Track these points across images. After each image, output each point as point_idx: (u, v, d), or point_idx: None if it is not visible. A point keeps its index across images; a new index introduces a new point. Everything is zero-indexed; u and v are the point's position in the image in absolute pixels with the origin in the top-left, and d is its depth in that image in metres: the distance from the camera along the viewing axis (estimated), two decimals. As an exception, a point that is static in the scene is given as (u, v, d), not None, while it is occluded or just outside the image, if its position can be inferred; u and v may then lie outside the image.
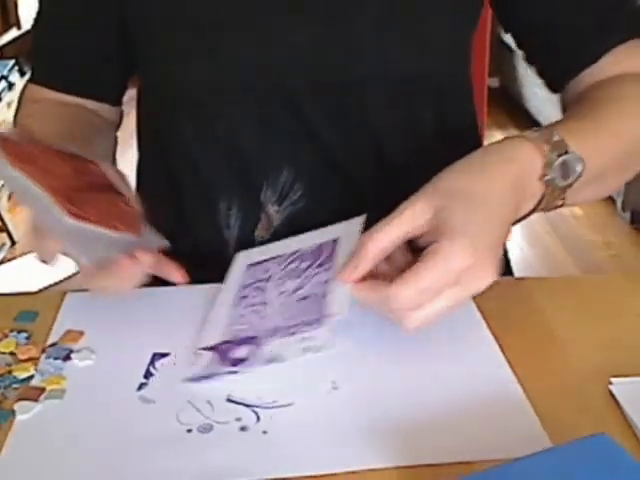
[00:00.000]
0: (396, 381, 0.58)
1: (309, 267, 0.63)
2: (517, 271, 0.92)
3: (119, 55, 0.80)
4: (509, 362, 0.60)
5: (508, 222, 0.58)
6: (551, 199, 0.62)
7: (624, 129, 0.69)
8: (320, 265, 0.62)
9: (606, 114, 0.68)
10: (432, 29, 0.73)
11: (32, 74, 0.83)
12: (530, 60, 0.79)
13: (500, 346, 0.62)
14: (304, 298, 0.60)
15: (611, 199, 2.72)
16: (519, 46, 0.79)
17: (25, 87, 0.84)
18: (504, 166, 0.59)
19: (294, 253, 0.66)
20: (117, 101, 0.85)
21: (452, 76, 0.79)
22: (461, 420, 0.54)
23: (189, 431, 0.53)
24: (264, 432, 0.53)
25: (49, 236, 0.59)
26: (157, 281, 0.65)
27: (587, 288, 0.73)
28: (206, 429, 0.53)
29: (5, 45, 2.78)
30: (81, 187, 0.61)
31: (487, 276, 0.54)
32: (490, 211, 0.56)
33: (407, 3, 0.72)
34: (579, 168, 0.62)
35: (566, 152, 0.61)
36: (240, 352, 0.58)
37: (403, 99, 0.75)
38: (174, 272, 0.63)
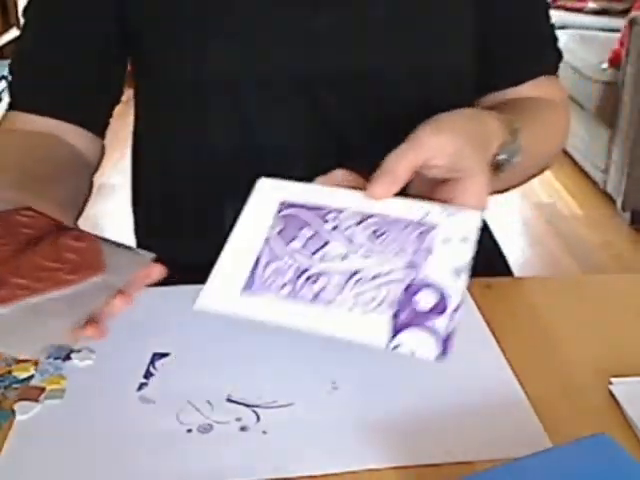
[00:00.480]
0: (396, 381, 0.58)
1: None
2: (517, 271, 0.92)
3: (108, 78, 0.78)
4: (509, 362, 0.60)
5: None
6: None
7: (545, 135, 0.77)
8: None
9: (533, 120, 0.74)
10: (448, 21, 0.75)
11: (11, 101, 0.77)
12: None
13: (500, 346, 0.62)
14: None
15: (611, 199, 2.72)
16: None
17: (4, 117, 0.78)
18: (485, 126, 0.62)
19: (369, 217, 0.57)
20: (101, 130, 0.81)
21: (466, 66, 0.79)
22: (461, 420, 0.54)
23: (189, 431, 0.53)
24: (264, 432, 0.53)
25: None
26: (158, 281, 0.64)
27: (587, 288, 0.73)
28: (206, 429, 0.53)
29: (5, 45, 2.79)
30: (7, 255, 0.52)
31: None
32: (483, 147, 0.60)
33: (420, 1, 0.73)
34: (517, 159, 0.65)
35: (515, 141, 0.65)
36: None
37: (418, 94, 0.76)
38: (152, 273, 0.56)
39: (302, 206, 0.58)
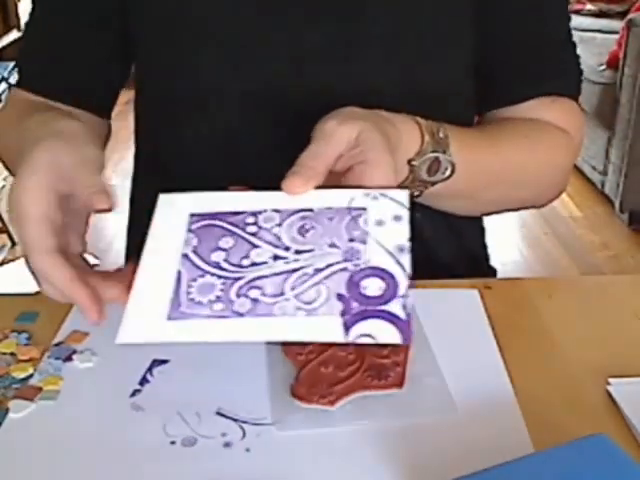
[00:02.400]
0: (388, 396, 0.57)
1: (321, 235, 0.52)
2: (516, 272, 0.93)
3: (115, 59, 0.78)
4: (507, 363, 0.60)
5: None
6: (411, 185, 0.63)
7: (512, 159, 0.72)
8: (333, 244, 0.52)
9: (507, 138, 0.72)
10: (447, 37, 0.73)
11: (19, 78, 0.79)
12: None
13: (499, 347, 0.62)
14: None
15: (609, 200, 2.73)
16: None
17: (10, 91, 0.81)
18: (396, 133, 0.60)
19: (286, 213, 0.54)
20: (108, 113, 0.81)
21: (462, 89, 0.78)
22: (451, 421, 0.54)
23: (172, 443, 0.52)
24: (247, 450, 0.52)
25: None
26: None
27: (585, 289, 0.73)
28: (190, 442, 0.53)
29: (5, 47, 2.79)
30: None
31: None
32: (392, 141, 0.58)
33: (418, 18, 0.72)
34: (446, 172, 0.64)
35: (443, 151, 0.63)
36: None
37: (415, 111, 0.75)
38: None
39: (214, 215, 0.54)
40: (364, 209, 0.52)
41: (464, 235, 0.84)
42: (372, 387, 0.56)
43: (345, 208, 0.52)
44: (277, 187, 0.71)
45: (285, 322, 0.48)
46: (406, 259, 0.49)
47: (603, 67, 2.71)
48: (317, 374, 0.57)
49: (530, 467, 0.45)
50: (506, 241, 2.54)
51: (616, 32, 2.82)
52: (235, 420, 0.55)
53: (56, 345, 0.62)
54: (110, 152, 0.89)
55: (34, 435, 0.53)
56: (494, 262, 0.90)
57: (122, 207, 0.88)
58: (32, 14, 0.79)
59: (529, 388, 0.57)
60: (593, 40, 2.96)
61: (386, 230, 0.51)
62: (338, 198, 0.53)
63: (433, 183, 0.64)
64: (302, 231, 0.52)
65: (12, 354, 0.61)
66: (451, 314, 0.66)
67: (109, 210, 0.53)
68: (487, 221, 0.87)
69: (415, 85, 0.73)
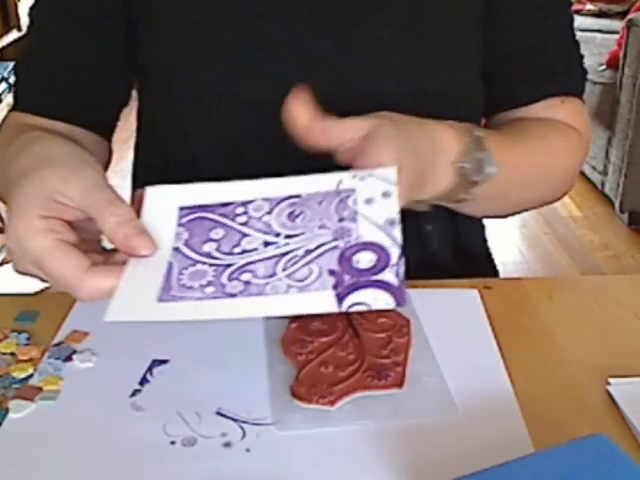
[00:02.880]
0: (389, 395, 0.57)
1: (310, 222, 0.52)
2: (515, 272, 0.93)
3: (116, 80, 0.77)
4: (507, 363, 0.60)
5: (423, 181, 0.58)
6: (458, 189, 0.63)
7: (535, 159, 0.72)
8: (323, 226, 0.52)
9: (525, 138, 0.71)
10: (453, 41, 0.73)
11: (14, 101, 0.76)
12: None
13: (499, 347, 0.62)
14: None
15: (609, 200, 2.73)
16: None
17: (6, 117, 0.75)
18: (430, 143, 0.59)
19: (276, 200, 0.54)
20: (109, 133, 0.79)
21: (469, 93, 0.78)
22: (450, 421, 0.54)
23: (172, 443, 0.52)
24: (247, 450, 0.52)
25: None
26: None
27: (585, 289, 0.73)
28: (190, 442, 0.53)
29: (5, 47, 2.79)
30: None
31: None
32: (414, 140, 0.57)
33: (423, 22, 0.72)
34: (491, 170, 0.63)
35: (482, 150, 0.62)
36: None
37: (419, 117, 0.75)
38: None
39: (204, 207, 0.54)
40: (353, 190, 0.52)
41: (466, 234, 0.84)
42: (372, 387, 0.56)
43: (334, 191, 0.52)
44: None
45: (278, 299, 0.48)
46: (397, 231, 0.49)
47: (603, 67, 2.71)
48: (317, 374, 0.57)
49: (530, 467, 0.45)
50: (506, 241, 2.54)
51: (616, 32, 2.82)
52: (235, 420, 0.55)
53: (56, 345, 0.62)
54: (110, 152, 0.90)
55: (34, 435, 0.53)
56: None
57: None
58: (30, 28, 0.76)
59: (529, 388, 0.57)
60: (593, 40, 2.96)
61: (376, 207, 0.51)
62: (326, 182, 0.53)
63: (478, 182, 0.63)
64: (292, 216, 0.52)
65: (12, 354, 0.61)
66: (451, 314, 0.66)
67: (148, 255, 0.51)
68: (487, 221, 0.87)
69: (418, 88, 0.73)
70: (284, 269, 0.49)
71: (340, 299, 0.47)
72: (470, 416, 0.54)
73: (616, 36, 2.78)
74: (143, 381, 0.59)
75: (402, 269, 0.48)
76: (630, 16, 2.65)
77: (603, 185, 2.75)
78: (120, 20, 0.74)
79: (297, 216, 0.52)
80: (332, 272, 0.48)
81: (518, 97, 0.76)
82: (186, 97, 0.74)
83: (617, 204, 2.66)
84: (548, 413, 0.55)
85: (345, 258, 0.49)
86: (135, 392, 0.57)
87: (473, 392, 0.57)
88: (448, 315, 0.66)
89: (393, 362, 0.58)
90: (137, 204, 0.53)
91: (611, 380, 0.58)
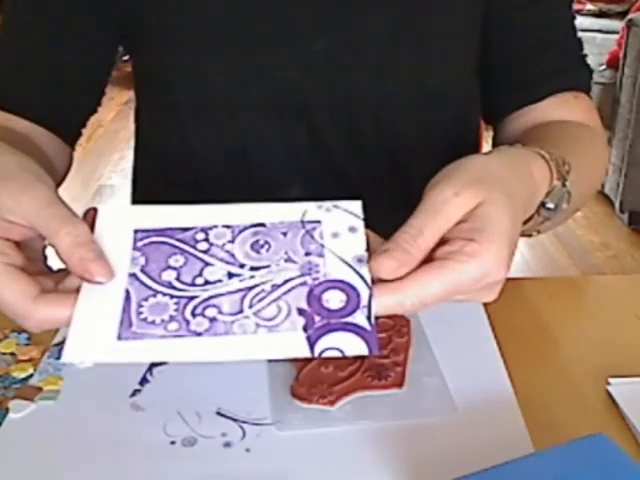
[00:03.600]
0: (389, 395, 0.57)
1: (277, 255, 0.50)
2: (515, 272, 0.93)
3: (88, 86, 0.75)
4: (507, 363, 0.60)
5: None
6: (534, 226, 0.59)
7: (584, 168, 0.68)
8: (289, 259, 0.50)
9: (581, 154, 0.67)
10: (451, 39, 0.73)
11: None
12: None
13: (499, 347, 0.62)
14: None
15: (609, 200, 2.73)
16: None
17: None
18: (528, 178, 0.54)
19: (238, 228, 0.51)
20: (72, 139, 0.76)
21: (467, 91, 0.78)
22: (449, 421, 0.54)
23: (172, 443, 0.52)
24: (247, 450, 0.52)
25: None
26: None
27: (585, 289, 0.73)
28: (190, 442, 0.53)
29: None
30: None
31: (495, 293, 0.49)
32: (519, 217, 0.50)
33: (422, 20, 0.72)
34: (565, 205, 0.59)
35: (564, 185, 0.58)
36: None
37: (419, 115, 0.75)
38: None
39: (162, 231, 0.51)
40: (318, 222, 0.51)
41: None
42: (372, 387, 0.56)
43: (299, 222, 0.51)
44: (278, 187, 0.71)
45: (246, 340, 0.46)
46: (365, 270, 0.48)
47: (603, 67, 2.71)
48: (317, 374, 0.57)
49: (530, 467, 0.45)
50: (506, 241, 2.53)
51: (616, 32, 2.82)
52: (235, 420, 0.55)
53: (56, 345, 0.62)
54: (110, 152, 0.89)
55: (34, 435, 0.53)
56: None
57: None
58: (3, 21, 0.73)
59: (529, 388, 0.57)
60: (593, 40, 2.96)
61: (342, 242, 0.49)
62: (291, 211, 0.51)
63: (550, 219, 0.59)
64: (256, 247, 0.50)
65: (12, 354, 0.61)
66: (451, 314, 0.66)
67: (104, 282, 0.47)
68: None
69: (418, 87, 0.73)
70: (251, 306, 0.47)
71: (312, 342, 0.45)
72: (470, 416, 0.55)
73: (616, 36, 2.78)
74: (143, 381, 0.59)
75: (373, 311, 0.46)
76: (630, 16, 2.66)
77: (603, 185, 2.75)
78: (104, 23, 0.73)
79: (262, 246, 0.50)
80: (301, 311, 0.46)
81: (528, 93, 0.75)
82: (185, 98, 0.74)
83: (617, 204, 2.66)
84: (548, 413, 0.55)
85: (314, 296, 0.47)
86: (135, 392, 0.57)
87: (473, 392, 0.57)
88: (448, 315, 0.66)
89: (393, 362, 0.58)
90: (89, 224, 0.49)
91: (611, 380, 0.58)
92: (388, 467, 0.50)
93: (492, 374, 0.59)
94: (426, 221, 0.46)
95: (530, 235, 0.64)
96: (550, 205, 0.57)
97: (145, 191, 0.85)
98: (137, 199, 0.86)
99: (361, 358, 0.57)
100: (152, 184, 0.83)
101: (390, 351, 0.59)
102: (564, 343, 0.63)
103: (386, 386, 0.56)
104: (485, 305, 0.67)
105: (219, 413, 0.55)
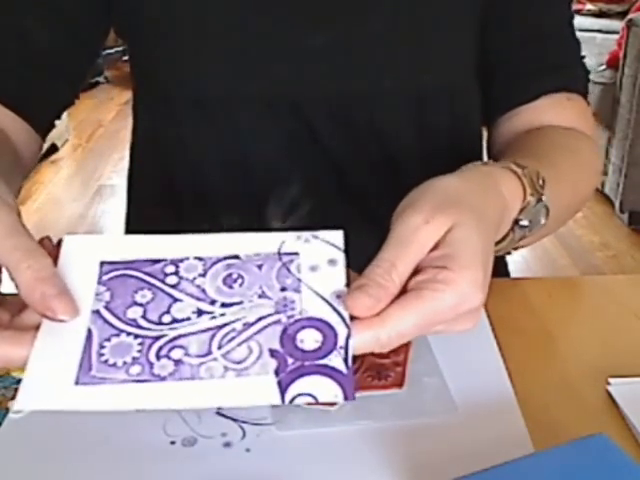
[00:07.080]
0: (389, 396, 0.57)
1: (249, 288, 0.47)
2: (515, 272, 0.93)
3: (65, 76, 0.74)
4: (507, 363, 0.60)
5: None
6: (511, 244, 0.58)
7: (572, 179, 0.67)
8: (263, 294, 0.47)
9: (564, 163, 0.67)
10: (449, 36, 0.73)
11: None
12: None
13: (499, 347, 0.62)
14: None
15: (609, 200, 2.73)
16: None
17: None
18: (497, 198, 0.52)
19: (211, 261, 0.48)
20: (44, 130, 0.74)
21: (466, 91, 0.78)
22: (453, 421, 0.54)
23: (172, 443, 0.52)
24: (247, 450, 0.52)
25: None
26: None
27: (585, 289, 0.73)
28: (190, 442, 0.52)
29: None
30: None
31: (475, 321, 0.47)
32: (491, 238, 0.49)
33: (421, 18, 0.72)
34: (543, 220, 0.58)
35: (539, 200, 0.56)
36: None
37: (417, 115, 0.75)
38: None
39: (130, 263, 0.47)
40: (296, 254, 0.48)
41: None
42: (372, 387, 0.56)
43: (275, 253, 0.48)
44: (277, 184, 0.71)
45: (213, 386, 0.43)
46: (343, 307, 0.45)
47: (603, 67, 2.71)
48: None
49: (530, 467, 0.45)
50: (506, 241, 2.54)
51: (616, 32, 2.82)
52: (235, 420, 0.55)
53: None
54: (110, 152, 0.89)
55: (34, 435, 0.53)
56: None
57: (122, 208, 0.88)
58: None
59: (529, 388, 0.57)
60: (593, 40, 2.96)
61: (321, 276, 0.46)
62: (267, 242, 0.48)
63: (527, 236, 0.58)
64: (229, 281, 0.47)
65: (12, 354, 0.61)
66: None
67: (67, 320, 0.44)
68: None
69: (416, 85, 0.73)
70: (220, 347, 0.44)
71: (283, 388, 0.42)
72: (470, 416, 0.55)
73: (616, 36, 2.78)
74: (143, 381, 0.59)
75: (350, 353, 0.43)
76: (630, 16, 2.66)
77: (603, 185, 2.76)
78: (92, 9, 0.73)
79: (234, 281, 0.47)
80: (273, 353, 0.43)
81: (521, 93, 0.74)
82: (185, 96, 0.74)
83: (617, 204, 2.67)
84: (548, 413, 0.55)
85: (288, 336, 0.44)
86: (135, 392, 0.58)
87: (473, 392, 0.57)
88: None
89: (393, 362, 0.58)
90: (53, 254, 0.46)
91: (611, 380, 0.58)
92: (388, 467, 0.50)
93: (492, 374, 0.59)
94: (399, 253, 0.45)
95: (509, 253, 0.62)
96: (524, 222, 0.56)
97: (142, 190, 0.85)
98: (133, 198, 0.86)
99: (361, 358, 0.57)
100: (149, 183, 0.83)
101: (390, 351, 0.59)
102: (564, 343, 0.63)
103: (386, 386, 0.56)
104: (485, 305, 0.67)
105: (219, 413, 0.55)
